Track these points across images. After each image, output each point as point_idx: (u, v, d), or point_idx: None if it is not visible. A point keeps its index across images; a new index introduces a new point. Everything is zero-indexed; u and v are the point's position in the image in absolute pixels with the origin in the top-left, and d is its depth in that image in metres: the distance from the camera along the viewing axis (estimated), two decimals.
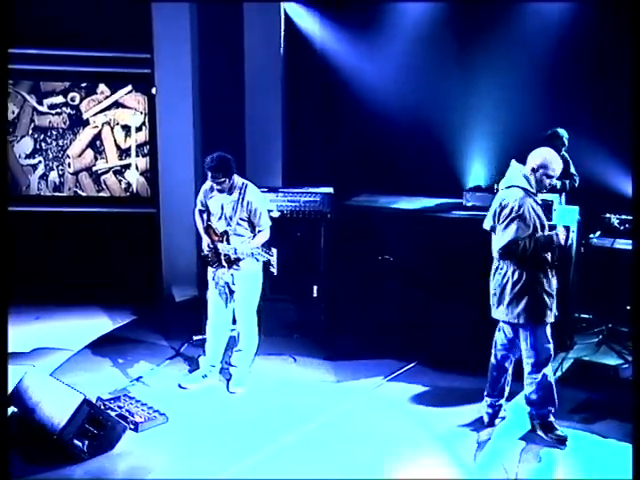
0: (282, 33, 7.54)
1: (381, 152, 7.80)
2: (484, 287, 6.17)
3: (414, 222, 6.71)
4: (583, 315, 6.93)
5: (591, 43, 7.35)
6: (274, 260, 5.19)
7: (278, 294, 6.50)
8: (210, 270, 5.52)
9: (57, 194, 7.75)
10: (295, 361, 6.12)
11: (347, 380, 5.74)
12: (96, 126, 7.65)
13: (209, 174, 5.28)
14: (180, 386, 5.56)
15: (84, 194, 7.76)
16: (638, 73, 5.04)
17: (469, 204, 6.94)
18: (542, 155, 4.59)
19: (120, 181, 7.78)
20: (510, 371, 4.90)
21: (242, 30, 7.42)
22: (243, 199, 5.33)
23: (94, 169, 7.75)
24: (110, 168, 7.77)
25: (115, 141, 7.71)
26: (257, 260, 5.21)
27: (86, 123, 7.65)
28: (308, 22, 7.96)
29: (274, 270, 5.48)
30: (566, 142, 6.98)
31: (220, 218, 5.41)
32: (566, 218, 6.22)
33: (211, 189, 5.45)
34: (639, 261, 4.84)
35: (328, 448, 4.64)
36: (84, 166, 7.72)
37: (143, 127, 7.73)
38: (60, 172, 7.72)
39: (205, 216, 5.56)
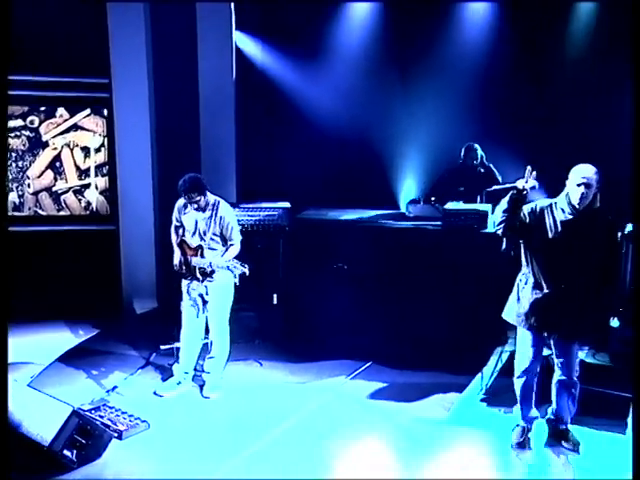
0: (234, 59, 7.56)
1: (326, 167, 7.94)
2: (430, 290, 6.47)
3: (364, 232, 6.90)
4: None
5: (521, 59, 7.81)
6: (247, 272, 5.21)
7: (240, 303, 6.46)
8: (184, 282, 5.53)
9: (17, 214, 7.52)
10: (261, 365, 6.15)
11: (312, 380, 5.83)
12: (55, 148, 7.48)
13: (184, 195, 5.30)
14: (156, 394, 5.52)
15: (44, 213, 7.57)
16: (638, 74, 5.04)
17: (411, 215, 7.20)
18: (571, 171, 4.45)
19: (80, 200, 7.64)
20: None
21: (196, 56, 7.41)
22: (216, 215, 5.37)
23: (54, 189, 7.56)
24: (70, 188, 7.60)
25: (75, 162, 7.56)
26: (233, 273, 5.23)
27: (45, 145, 7.46)
28: (254, 49, 8.08)
29: (236, 280, 5.50)
30: (479, 155, 7.29)
31: (194, 234, 5.43)
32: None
33: (185, 206, 5.47)
34: (639, 260, 4.81)
35: (304, 445, 4.71)
36: (44, 186, 7.52)
37: (102, 148, 7.62)
38: (20, 192, 7.51)
39: (180, 231, 5.57)
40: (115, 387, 5.65)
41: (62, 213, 7.59)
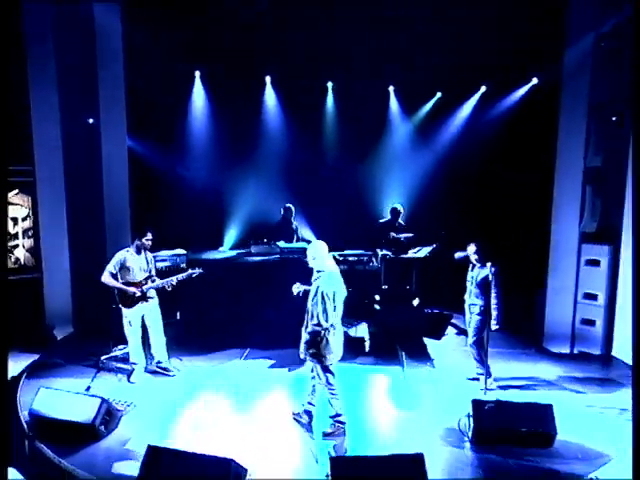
0: (126, 150, 8.85)
1: (194, 222, 9.79)
2: (277, 297, 8.37)
3: (229, 264, 8.98)
4: None
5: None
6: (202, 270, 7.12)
7: None
8: (128, 309, 7.05)
9: None
10: (181, 360, 7.75)
11: (219, 364, 7.68)
12: None
13: (149, 235, 7.03)
14: (130, 382, 7.09)
15: None
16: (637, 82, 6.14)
17: (254, 251, 9.43)
18: None
19: (10, 257, 8.34)
20: None
21: (100, 149, 8.54)
22: (148, 257, 7.20)
23: None
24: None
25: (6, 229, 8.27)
26: (192, 277, 7.10)
27: None
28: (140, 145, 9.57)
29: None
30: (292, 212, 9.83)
31: (140, 270, 7.08)
32: None
33: (128, 257, 7.06)
34: (639, 267, 5.51)
35: (236, 406, 6.66)
36: None
37: (28, 217, 8.37)
38: None
39: (118, 276, 7.03)
40: (89, 387, 6.88)
41: None
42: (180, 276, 7.13)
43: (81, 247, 8.63)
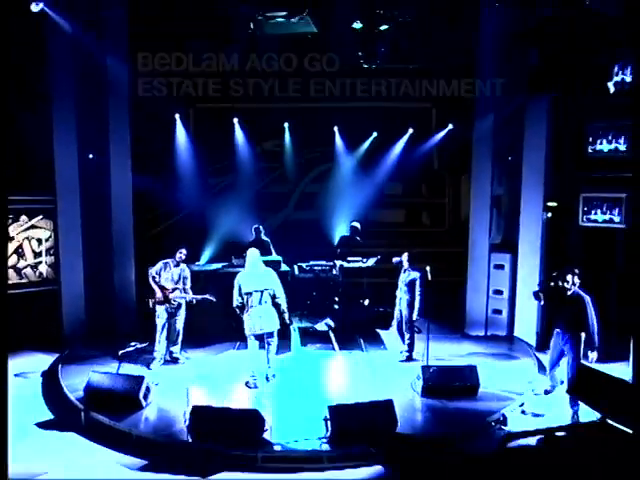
0: (130, 181, 10.12)
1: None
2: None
3: (216, 273, 10.45)
4: None
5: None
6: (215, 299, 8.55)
7: None
8: (161, 307, 8.46)
9: None
10: (186, 352, 9.05)
11: (218, 354, 9.21)
12: (19, 240, 9.31)
13: (184, 251, 8.46)
14: (149, 369, 8.44)
15: (10, 282, 9.19)
16: None
17: (236, 263, 10.90)
18: None
19: (35, 272, 9.51)
20: None
21: (109, 176, 9.81)
22: (183, 271, 8.62)
23: (17, 266, 9.35)
24: (28, 264, 9.44)
25: (31, 248, 9.42)
26: (208, 301, 8.53)
27: (12, 239, 9.22)
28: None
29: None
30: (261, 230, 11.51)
31: (170, 280, 8.50)
32: None
33: (165, 267, 8.49)
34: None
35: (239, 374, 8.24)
36: (10, 265, 9.24)
37: (50, 238, 9.54)
38: None
39: (157, 280, 8.45)
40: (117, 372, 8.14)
41: (23, 280, 9.46)
42: (198, 297, 8.53)
43: (93, 263, 9.85)
